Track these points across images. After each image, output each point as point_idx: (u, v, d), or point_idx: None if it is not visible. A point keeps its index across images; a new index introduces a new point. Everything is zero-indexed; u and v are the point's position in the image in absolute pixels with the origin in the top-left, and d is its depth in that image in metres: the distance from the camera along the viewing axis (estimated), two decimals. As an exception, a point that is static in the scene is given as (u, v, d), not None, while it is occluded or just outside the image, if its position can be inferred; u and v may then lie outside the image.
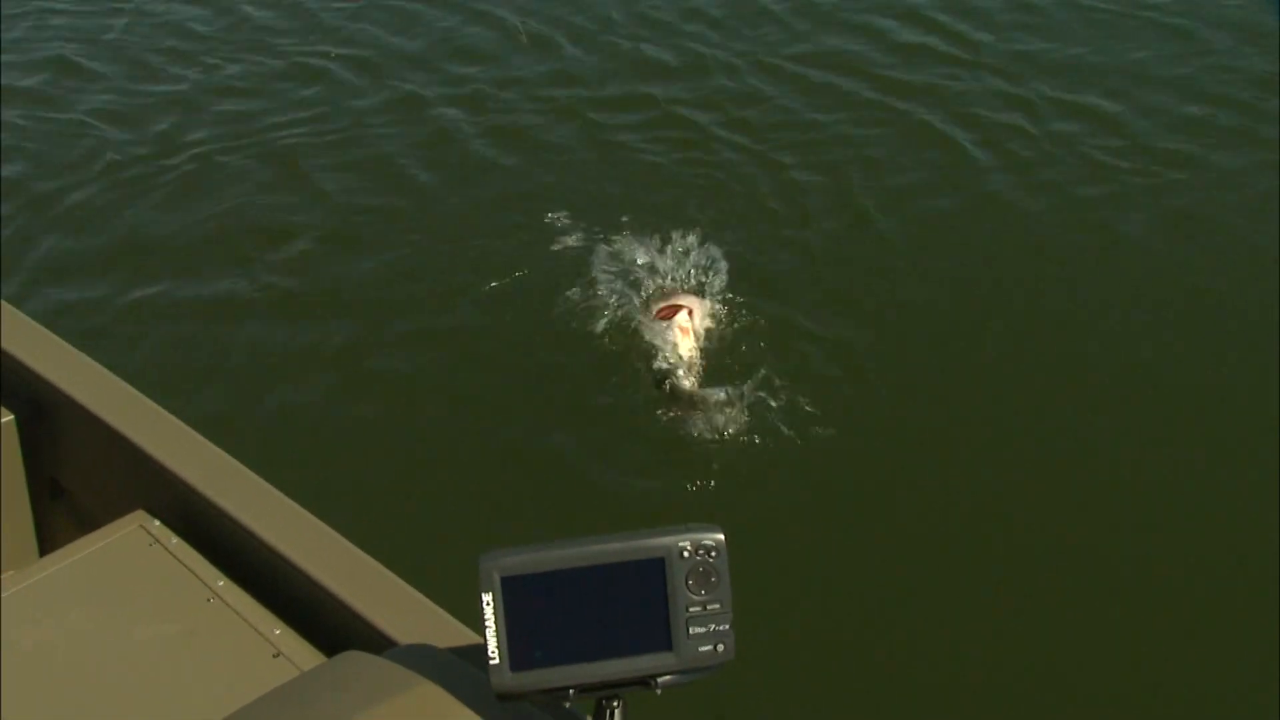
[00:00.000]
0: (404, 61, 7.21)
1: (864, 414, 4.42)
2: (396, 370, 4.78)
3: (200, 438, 2.16)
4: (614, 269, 5.11)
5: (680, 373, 4.51)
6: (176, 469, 2.09)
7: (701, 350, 4.67)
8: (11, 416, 2.37)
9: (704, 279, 5.04)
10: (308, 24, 7.73)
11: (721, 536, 1.26)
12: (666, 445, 4.27)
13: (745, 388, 4.40)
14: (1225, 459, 4.18)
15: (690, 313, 4.73)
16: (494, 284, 5.15)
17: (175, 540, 2.04)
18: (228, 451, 2.17)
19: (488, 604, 1.22)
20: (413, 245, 5.51)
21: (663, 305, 4.79)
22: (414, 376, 4.75)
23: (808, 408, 4.35)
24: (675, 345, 4.60)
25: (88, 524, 2.32)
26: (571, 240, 5.38)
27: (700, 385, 4.49)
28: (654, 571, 1.24)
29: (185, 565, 1.99)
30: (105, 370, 2.37)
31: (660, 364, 4.56)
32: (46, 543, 2.51)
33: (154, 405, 2.26)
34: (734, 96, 6.65)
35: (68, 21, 7.89)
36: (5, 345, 2.40)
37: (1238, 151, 5.87)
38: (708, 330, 4.78)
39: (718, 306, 4.91)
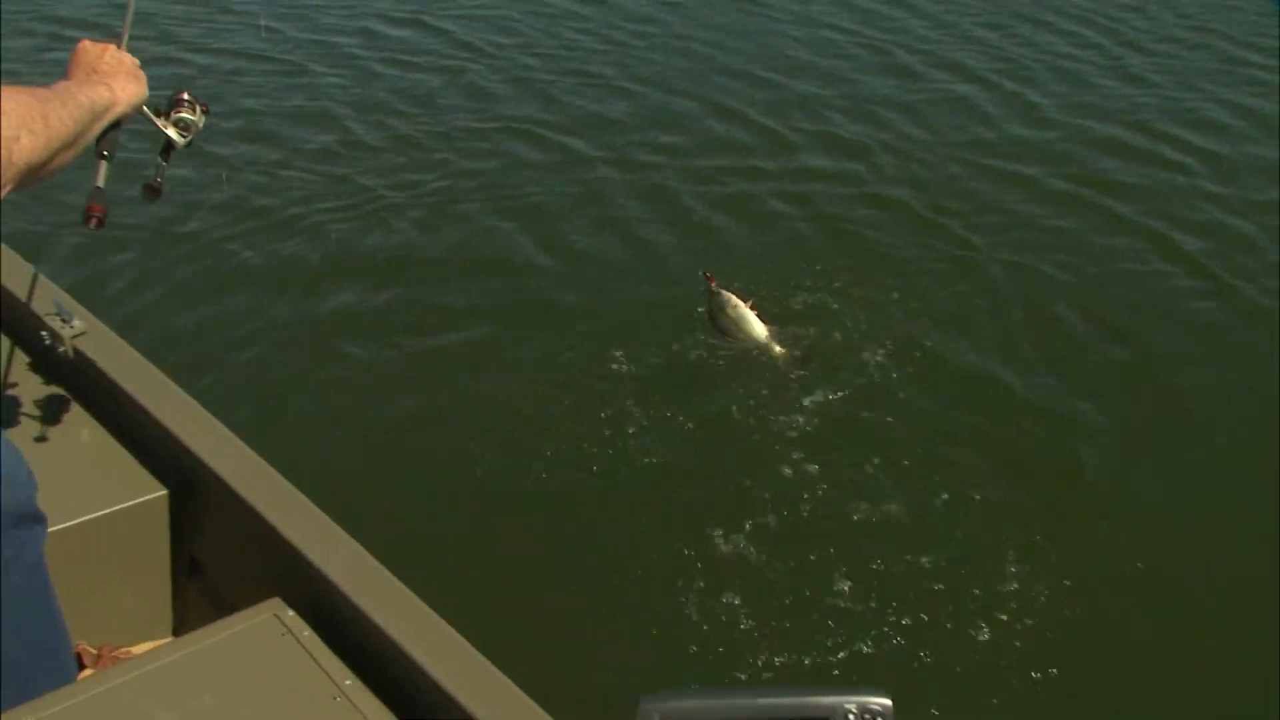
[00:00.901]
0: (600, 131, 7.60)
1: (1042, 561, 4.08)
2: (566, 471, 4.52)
3: (341, 530, 2.17)
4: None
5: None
6: (315, 559, 2.10)
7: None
8: (165, 491, 2.42)
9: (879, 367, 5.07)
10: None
11: (889, 702, 1.20)
12: (834, 599, 3.97)
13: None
14: None
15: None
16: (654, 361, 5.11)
17: (307, 632, 2.03)
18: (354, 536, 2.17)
19: None
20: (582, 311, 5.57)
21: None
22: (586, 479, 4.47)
23: (993, 549, 4.11)
24: (734, 306, 4.64)
25: (221, 604, 2.34)
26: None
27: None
28: None
29: (315, 659, 1.98)
30: (252, 452, 2.41)
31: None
32: (179, 618, 2.55)
33: (297, 492, 2.28)
34: (931, 182, 6.92)
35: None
36: (164, 419, 2.46)
37: None
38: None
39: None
